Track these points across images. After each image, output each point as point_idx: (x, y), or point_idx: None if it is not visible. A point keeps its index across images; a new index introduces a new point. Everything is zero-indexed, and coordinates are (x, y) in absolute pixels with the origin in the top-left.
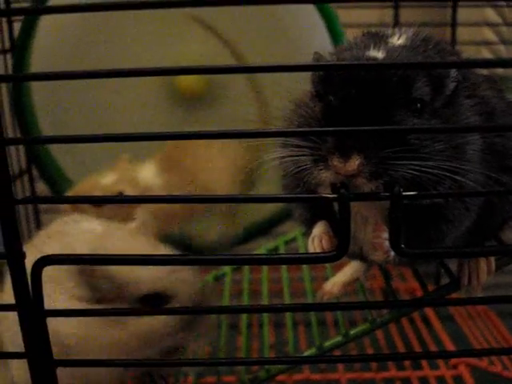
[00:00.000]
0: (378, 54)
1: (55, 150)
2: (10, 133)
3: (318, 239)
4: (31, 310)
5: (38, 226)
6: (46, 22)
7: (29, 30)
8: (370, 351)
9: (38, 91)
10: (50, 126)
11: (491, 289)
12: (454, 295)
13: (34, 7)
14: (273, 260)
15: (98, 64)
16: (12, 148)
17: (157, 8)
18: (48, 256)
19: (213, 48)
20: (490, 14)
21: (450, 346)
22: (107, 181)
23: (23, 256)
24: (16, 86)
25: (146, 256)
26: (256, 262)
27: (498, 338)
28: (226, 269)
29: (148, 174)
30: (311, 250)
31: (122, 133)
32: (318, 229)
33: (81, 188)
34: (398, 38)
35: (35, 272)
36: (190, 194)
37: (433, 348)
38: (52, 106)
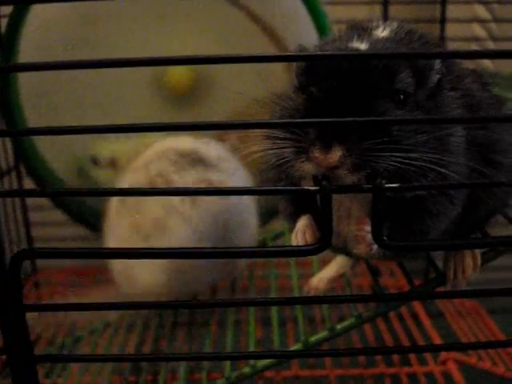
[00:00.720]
0: (361, 46)
1: (42, 146)
2: None
3: (301, 233)
4: (11, 305)
5: (27, 224)
6: (33, 17)
7: (16, 25)
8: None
9: (26, 86)
10: (37, 124)
11: (479, 285)
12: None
13: None
14: (256, 253)
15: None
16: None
17: None
18: (28, 249)
19: (207, 44)
20: (480, 10)
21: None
22: None
23: (3, 251)
24: (3, 80)
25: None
26: (238, 255)
27: (487, 335)
28: None
29: None
30: (294, 243)
31: (109, 124)
32: (302, 223)
33: None
34: (382, 31)
35: (14, 265)
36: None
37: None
38: (40, 103)
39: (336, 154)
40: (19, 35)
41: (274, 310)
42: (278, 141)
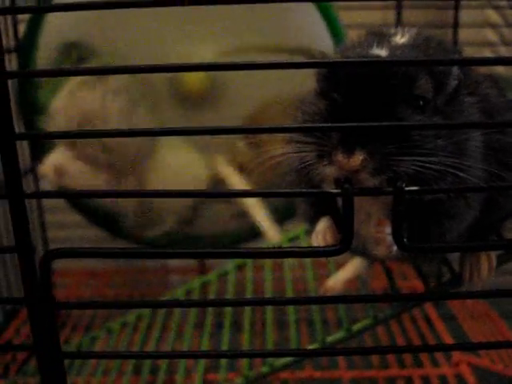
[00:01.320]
0: (382, 52)
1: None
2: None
3: (321, 234)
4: (41, 304)
5: (43, 226)
6: (51, 22)
7: (34, 30)
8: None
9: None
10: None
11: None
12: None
13: (39, 6)
14: (277, 253)
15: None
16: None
17: (156, 6)
18: (57, 249)
19: (221, 50)
20: (492, 15)
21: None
22: None
23: (33, 250)
24: (22, 85)
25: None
26: (259, 255)
27: (499, 338)
28: (229, 267)
29: None
30: (315, 244)
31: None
32: (322, 224)
33: None
34: (401, 37)
35: (44, 264)
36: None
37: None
38: None
39: (358, 158)
40: (37, 42)
41: (289, 312)
42: (301, 145)
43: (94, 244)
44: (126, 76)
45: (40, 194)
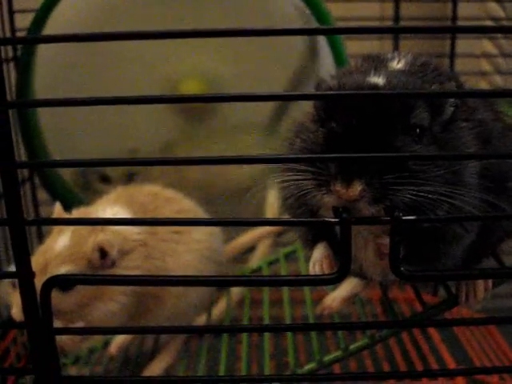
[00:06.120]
0: (379, 80)
1: (57, 157)
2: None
3: (318, 264)
4: (40, 329)
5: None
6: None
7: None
8: (368, 362)
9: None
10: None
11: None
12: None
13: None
14: (274, 282)
15: (102, 69)
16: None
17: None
18: (57, 276)
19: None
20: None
21: (448, 356)
22: None
23: (33, 275)
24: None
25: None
26: (258, 283)
27: (493, 345)
28: None
29: None
30: (312, 273)
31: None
32: (319, 252)
33: None
34: (398, 63)
35: (45, 292)
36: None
37: (431, 358)
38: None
39: (356, 188)
40: (35, 52)
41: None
42: (299, 173)
43: None
44: None
45: (41, 222)
